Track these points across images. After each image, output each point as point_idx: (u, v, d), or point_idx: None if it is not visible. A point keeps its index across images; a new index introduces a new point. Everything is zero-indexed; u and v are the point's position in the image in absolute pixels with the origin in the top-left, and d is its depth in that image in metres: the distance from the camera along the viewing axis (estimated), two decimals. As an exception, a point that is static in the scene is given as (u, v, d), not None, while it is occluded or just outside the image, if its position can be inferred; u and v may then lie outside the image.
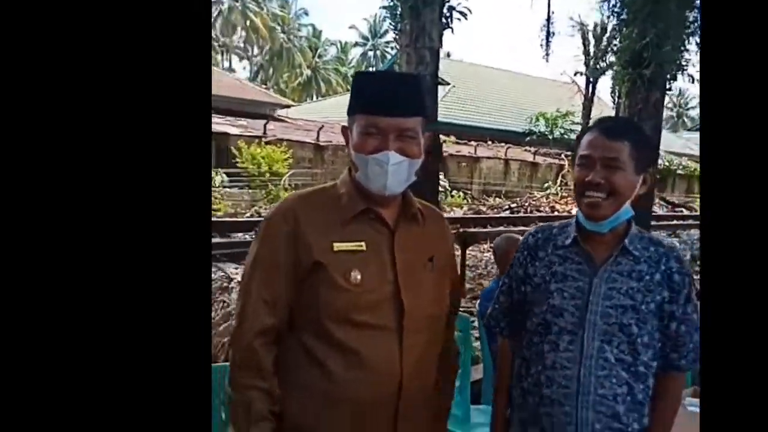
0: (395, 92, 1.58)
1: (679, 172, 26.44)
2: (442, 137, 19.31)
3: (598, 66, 15.78)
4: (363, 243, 1.58)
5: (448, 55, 31.27)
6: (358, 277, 1.54)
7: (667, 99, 7.99)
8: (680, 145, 32.60)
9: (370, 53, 51.47)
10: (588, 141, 1.71)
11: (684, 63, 7.07)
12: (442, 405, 1.85)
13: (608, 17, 7.02)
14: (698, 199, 25.52)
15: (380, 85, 1.61)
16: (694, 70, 7.10)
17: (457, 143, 20.48)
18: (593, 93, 18.40)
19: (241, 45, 47.36)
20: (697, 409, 3.19)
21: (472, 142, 21.13)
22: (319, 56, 48.38)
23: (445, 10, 5.14)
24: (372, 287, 1.56)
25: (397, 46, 5.25)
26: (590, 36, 16.53)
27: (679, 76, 7.20)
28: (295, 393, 1.58)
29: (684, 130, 49.23)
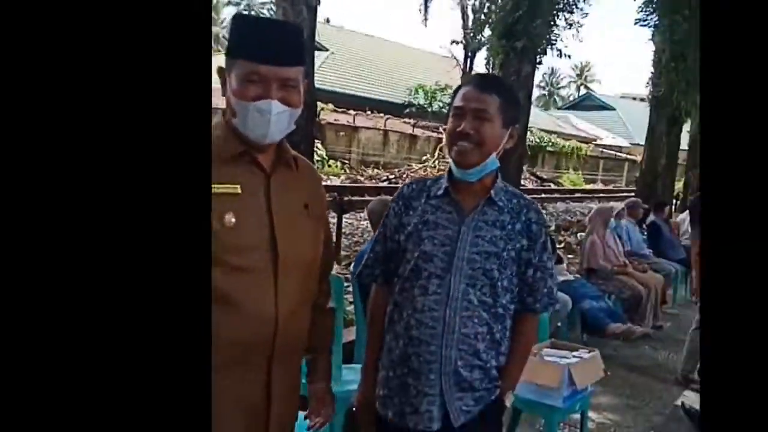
0: (278, 41, 1.55)
1: (548, 148, 27.72)
2: (320, 105, 19.17)
3: (475, 39, 16.13)
4: (238, 186, 1.55)
5: (327, 21, 30.82)
6: (233, 220, 1.51)
7: (539, 77, 8.28)
8: (551, 123, 34.15)
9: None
10: (462, 94, 1.84)
11: (553, 38, 7.36)
12: (317, 344, 1.87)
13: None
14: (563, 174, 27.29)
15: (263, 33, 1.57)
16: (562, 45, 7.40)
17: (335, 111, 20.36)
18: (471, 67, 18.83)
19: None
20: (552, 359, 3.40)
21: (351, 111, 21.00)
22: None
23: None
24: (247, 230, 1.54)
25: (273, 4, 5.08)
26: (469, 10, 16.81)
27: (549, 52, 7.48)
28: None
29: (554, 108, 51.53)
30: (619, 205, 7.62)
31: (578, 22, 7.49)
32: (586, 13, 7.27)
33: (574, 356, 3.46)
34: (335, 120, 19.85)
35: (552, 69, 66.03)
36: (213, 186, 1.48)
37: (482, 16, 7.35)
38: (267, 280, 1.56)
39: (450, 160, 1.89)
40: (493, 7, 7.11)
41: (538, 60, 7.31)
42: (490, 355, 1.85)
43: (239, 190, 1.56)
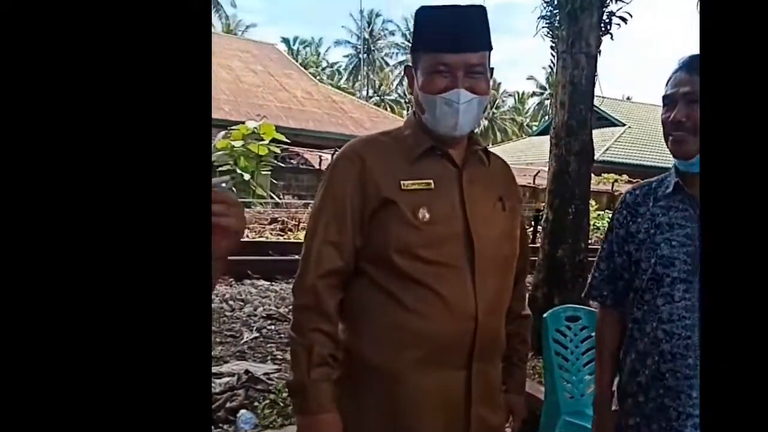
0: (461, 26, 1.52)
1: None
2: (614, 176, 18.75)
3: None
4: (431, 181, 1.55)
5: (629, 98, 30.40)
6: (427, 214, 1.51)
7: None
8: None
9: (547, 102, 51.27)
10: (671, 80, 1.68)
11: None
12: (521, 350, 1.81)
13: None
14: None
15: (444, 20, 1.54)
16: None
17: (629, 182, 19.77)
18: None
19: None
20: None
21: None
22: (497, 107, 48.70)
23: (604, 17, 5.04)
24: (441, 224, 1.53)
25: (553, 54, 5.20)
26: None
27: None
28: (370, 332, 1.55)
29: None
30: None
31: None
32: None
33: None
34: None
35: None
36: (407, 182, 1.53)
37: None
38: (464, 274, 1.53)
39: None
40: None
41: None
42: None
43: (432, 185, 1.54)
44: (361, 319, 1.57)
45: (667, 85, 1.71)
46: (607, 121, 25.47)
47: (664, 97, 1.69)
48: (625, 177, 19.18)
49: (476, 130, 1.69)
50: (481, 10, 1.58)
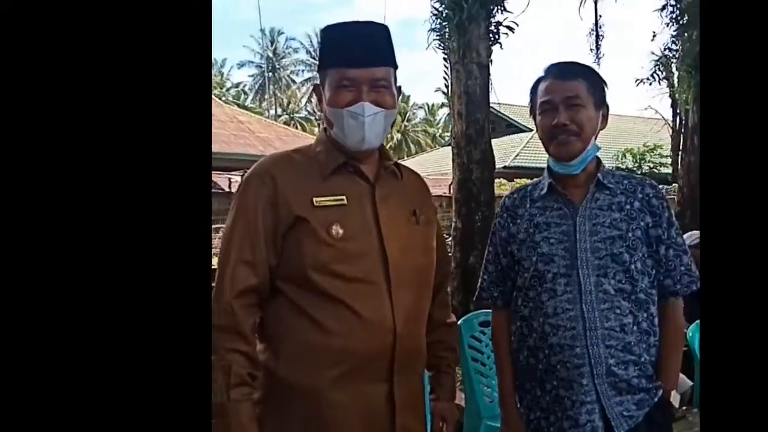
0: (364, 42, 1.56)
1: None
2: (527, 180, 19.24)
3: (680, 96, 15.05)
4: (343, 197, 1.57)
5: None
6: (340, 231, 1.53)
7: None
8: None
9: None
10: (545, 87, 1.75)
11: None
12: (448, 357, 1.85)
13: (667, 24, 6.80)
14: None
15: (348, 37, 1.58)
16: None
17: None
18: (681, 123, 17.61)
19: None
20: None
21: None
22: (408, 120, 49.26)
23: (492, 27, 5.19)
24: (355, 240, 1.54)
25: (446, 66, 5.31)
26: (672, 67, 15.83)
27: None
28: (287, 351, 1.56)
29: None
30: None
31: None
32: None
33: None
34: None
35: None
36: (319, 199, 1.54)
37: (672, 61, 6.97)
38: (381, 289, 1.55)
39: (549, 159, 1.81)
40: (679, 44, 6.72)
41: None
42: (642, 348, 1.70)
43: (345, 201, 1.56)
44: (278, 339, 1.57)
45: (536, 93, 1.80)
46: (515, 128, 26.07)
47: (542, 103, 1.76)
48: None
49: (389, 144, 1.71)
50: (383, 28, 1.63)
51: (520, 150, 24.03)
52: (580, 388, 1.68)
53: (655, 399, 1.71)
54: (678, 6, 6.69)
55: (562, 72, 1.76)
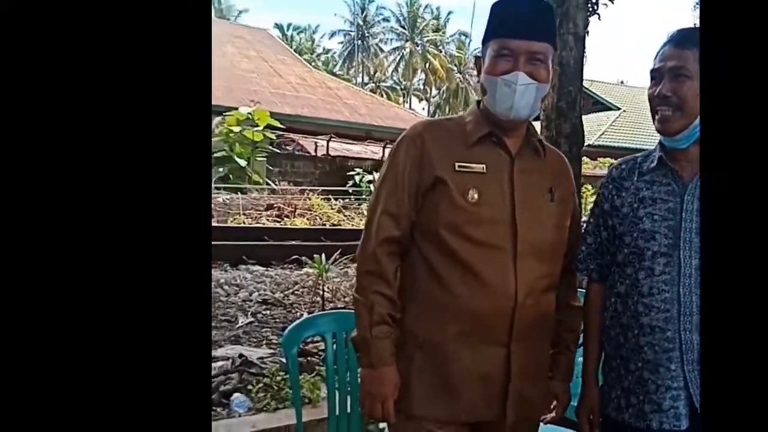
0: (527, 16, 1.63)
1: None
2: (612, 160, 18.72)
3: None
4: (484, 165, 1.65)
5: (622, 82, 30.32)
6: (476, 196, 1.61)
7: None
8: None
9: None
10: (659, 54, 1.67)
11: None
12: (567, 338, 1.87)
13: None
14: None
15: (513, 10, 1.64)
16: None
17: (626, 166, 19.70)
18: None
19: (420, 87, 48.89)
20: None
21: (648, 163, 20.13)
22: (498, 91, 48.39)
23: (591, -2, 5.04)
24: (488, 206, 1.62)
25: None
26: None
27: None
28: (414, 302, 1.68)
29: None
30: None
31: None
32: None
33: None
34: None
35: None
36: (460, 164, 1.64)
37: None
38: (506, 256, 1.62)
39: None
40: None
41: None
42: None
43: (484, 170, 1.64)
44: (408, 292, 1.69)
45: (655, 59, 1.69)
46: (603, 106, 25.37)
47: (652, 71, 1.68)
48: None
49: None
50: (548, 7, 1.73)
51: (605, 129, 23.40)
52: (666, 372, 1.61)
53: None
54: None
55: (679, 39, 1.65)
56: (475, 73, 1.79)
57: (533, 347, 1.70)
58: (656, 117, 1.67)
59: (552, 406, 1.86)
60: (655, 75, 1.66)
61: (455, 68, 46.13)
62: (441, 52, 46.30)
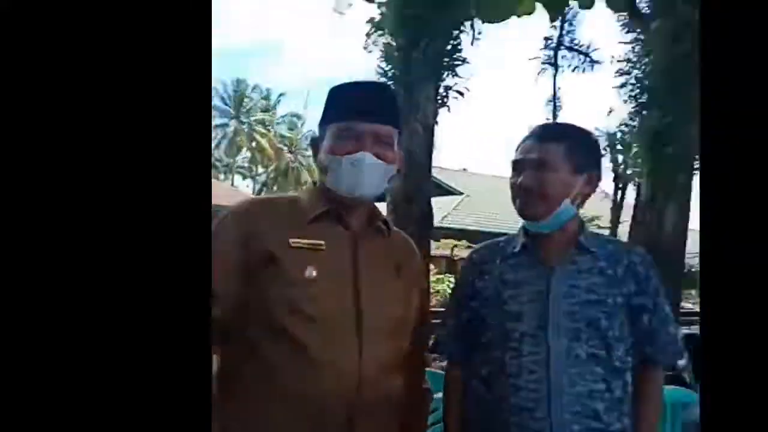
0: (372, 99, 1.59)
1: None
2: (455, 242, 19.65)
3: (627, 171, 15.37)
4: (322, 242, 1.52)
5: (465, 170, 32.20)
6: (314, 273, 1.47)
7: None
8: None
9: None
10: (520, 147, 1.71)
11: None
12: (413, 428, 1.73)
13: (625, 101, 7.11)
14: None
15: (357, 93, 1.62)
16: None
17: (469, 247, 20.58)
18: (623, 197, 18.25)
19: (245, 165, 48.38)
20: None
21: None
22: (326, 173, 49.27)
23: (441, 90, 5.28)
24: (328, 283, 1.48)
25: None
26: (617, 144, 16.23)
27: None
28: (234, 399, 1.48)
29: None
30: None
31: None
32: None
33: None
34: (468, 255, 20.15)
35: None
36: (296, 241, 1.49)
37: (627, 136, 7.22)
38: (349, 334, 1.48)
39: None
40: (637, 121, 6.95)
41: (695, 168, 6.78)
42: (613, 416, 1.59)
43: (323, 246, 1.52)
44: (226, 388, 1.48)
45: (516, 151, 1.73)
46: (445, 191, 26.61)
47: (513, 163, 1.71)
48: (464, 242, 20.03)
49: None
50: (391, 91, 1.71)
51: (449, 212, 24.52)
52: None
53: None
54: (638, 85, 6.92)
55: (541, 133, 1.72)
56: (309, 153, 1.70)
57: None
58: (518, 203, 1.69)
59: None
60: (517, 165, 1.69)
61: (285, 148, 46.43)
62: (270, 131, 46.47)
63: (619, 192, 16.67)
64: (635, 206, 7.00)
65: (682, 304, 10.09)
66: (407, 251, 1.72)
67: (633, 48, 7.02)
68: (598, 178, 1.75)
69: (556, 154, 1.65)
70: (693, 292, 14.57)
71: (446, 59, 5.20)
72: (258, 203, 1.64)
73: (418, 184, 5.19)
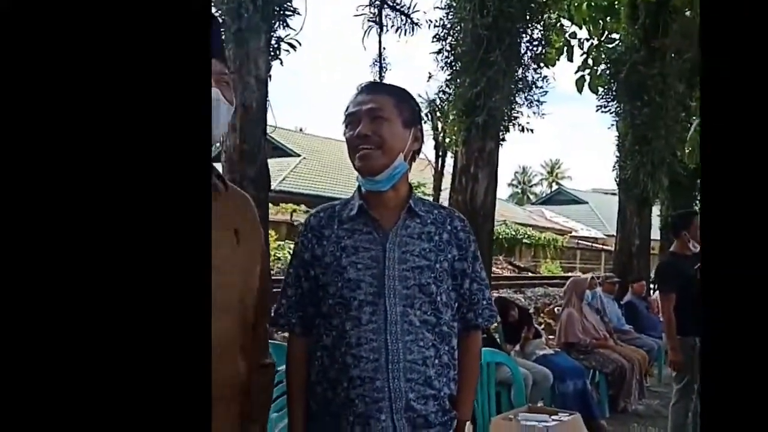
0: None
1: (525, 241, 27.94)
2: (293, 206, 19.41)
3: (447, 140, 15.91)
4: None
5: (301, 130, 31.85)
6: None
7: (511, 176, 8.15)
8: (525, 217, 34.51)
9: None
10: (352, 101, 1.72)
11: (515, 115, 7.33)
12: (254, 407, 1.59)
13: (441, 68, 7.18)
14: (542, 264, 27.41)
15: None
16: (524, 121, 7.37)
17: (308, 212, 20.41)
18: (443, 165, 18.87)
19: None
20: (530, 423, 3.12)
21: (323, 213, 21.11)
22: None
23: (273, 42, 4.98)
24: None
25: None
26: (437, 111, 16.69)
27: (512, 128, 7.43)
28: None
29: (528, 204, 52.25)
30: (592, 275, 7.47)
31: (538, 100, 7.50)
32: (546, 91, 7.26)
33: (553, 419, 3.15)
34: (307, 221, 19.83)
35: (523, 168, 67.72)
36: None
37: (445, 104, 7.33)
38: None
39: (358, 177, 1.74)
40: (452, 89, 7.10)
41: (501, 137, 7.26)
42: (442, 382, 1.66)
43: None
44: None
45: (348, 105, 1.73)
46: (283, 152, 26.12)
47: (347, 115, 1.71)
48: (303, 207, 19.76)
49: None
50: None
51: (286, 174, 24.12)
52: (377, 424, 1.60)
53: (450, 431, 1.68)
54: (453, 52, 7.03)
55: (371, 87, 1.77)
56: None
57: (229, 412, 1.44)
58: (356, 156, 1.68)
59: None
60: (352, 117, 1.70)
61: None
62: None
63: (440, 160, 17.32)
64: (452, 174, 7.27)
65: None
66: (246, 212, 1.58)
67: (447, 14, 7.16)
68: (423, 135, 1.79)
69: (388, 105, 1.69)
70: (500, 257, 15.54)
71: (277, 8, 4.89)
72: None
73: (255, 141, 4.89)
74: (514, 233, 27.24)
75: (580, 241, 33.81)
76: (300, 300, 1.75)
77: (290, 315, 1.76)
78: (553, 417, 3.20)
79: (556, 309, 8.74)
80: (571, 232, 35.33)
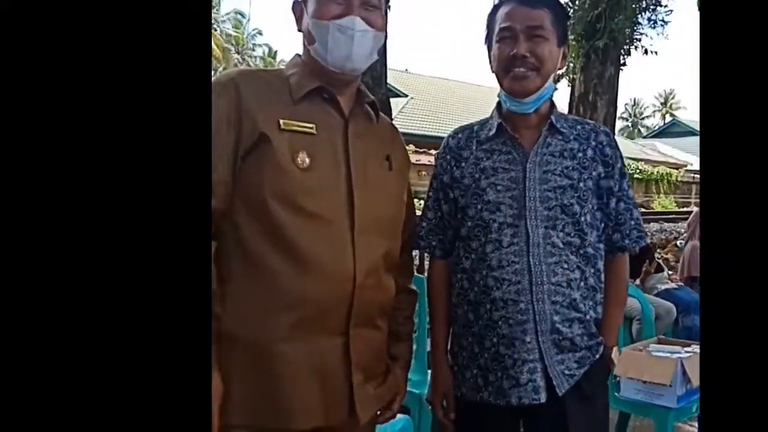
0: None
1: (636, 176, 26.94)
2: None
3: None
4: (314, 125, 1.40)
5: (407, 70, 31.55)
6: (307, 160, 1.36)
7: (622, 109, 8.03)
8: (637, 151, 33.12)
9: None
10: (507, 12, 1.58)
11: (638, 36, 6.97)
12: (400, 329, 1.67)
13: None
14: (655, 199, 26.38)
15: None
16: (648, 42, 7.00)
17: (417, 152, 20.42)
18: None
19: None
20: (662, 354, 3.05)
21: (432, 151, 21.05)
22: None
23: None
24: (321, 173, 1.38)
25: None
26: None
27: (633, 51, 7.09)
28: (230, 298, 1.35)
29: (640, 137, 49.99)
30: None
31: (663, 20, 7.06)
32: (671, 10, 6.82)
33: (686, 351, 3.05)
34: (417, 161, 19.86)
35: (634, 99, 64.55)
36: (286, 121, 1.37)
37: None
38: (343, 231, 1.39)
39: (502, 92, 1.65)
40: (571, 7, 6.79)
41: (622, 61, 6.93)
42: (588, 305, 1.60)
43: (315, 131, 1.40)
44: (222, 284, 1.36)
45: (494, 19, 1.62)
46: (390, 92, 26.02)
47: (501, 30, 1.58)
48: (411, 147, 19.77)
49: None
50: None
51: (395, 115, 24.10)
52: (522, 345, 1.56)
53: (596, 356, 1.61)
54: None
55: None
56: (256, 52, 1.48)
57: (372, 335, 1.50)
58: (509, 76, 1.58)
59: (393, 399, 1.64)
60: (506, 34, 1.57)
61: (232, 48, 44.90)
62: (216, 31, 44.81)
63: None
64: (569, 103, 7.12)
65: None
66: (395, 140, 1.62)
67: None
68: (569, 52, 1.69)
69: (547, 22, 1.57)
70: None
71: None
72: (243, 75, 1.44)
73: (377, 74, 4.89)
74: (626, 168, 26.33)
75: (696, 175, 32.18)
76: (439, 223, 1.72)
77: (430, 238, 1.74)
78: (686, 349, 3.10)
79: (678, 242, 8.41)
80: (686, 166, 33.63)
